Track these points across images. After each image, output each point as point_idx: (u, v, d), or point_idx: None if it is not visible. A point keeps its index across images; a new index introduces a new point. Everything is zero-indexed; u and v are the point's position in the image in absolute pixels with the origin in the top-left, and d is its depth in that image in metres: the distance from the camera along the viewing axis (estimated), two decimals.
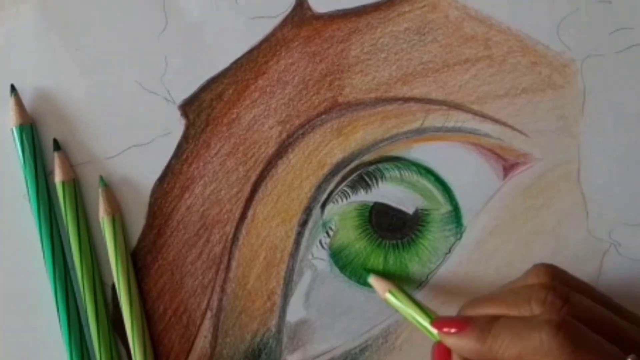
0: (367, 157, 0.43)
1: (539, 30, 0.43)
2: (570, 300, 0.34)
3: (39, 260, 0.42)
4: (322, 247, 0.42)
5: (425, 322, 0.38)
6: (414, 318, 0.39)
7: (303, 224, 0.42)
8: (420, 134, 0.43)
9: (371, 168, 0.42)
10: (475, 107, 0.43)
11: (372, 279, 0.41)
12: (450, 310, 0.42)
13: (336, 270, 0.42)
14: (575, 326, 0.32)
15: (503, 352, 0.33)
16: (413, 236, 0.42)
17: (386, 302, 0.40)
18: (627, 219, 0.42)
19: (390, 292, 0.40)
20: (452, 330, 0.36)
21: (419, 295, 0.42)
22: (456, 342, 0.35)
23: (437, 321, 0.37)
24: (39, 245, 0.42)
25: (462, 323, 0.35)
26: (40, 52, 0.43)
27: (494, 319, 0.35)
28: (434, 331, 0.37)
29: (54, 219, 0.42)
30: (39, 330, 0.42)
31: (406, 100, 0.43)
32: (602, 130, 0.42)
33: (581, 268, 0.42)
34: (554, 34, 0.42)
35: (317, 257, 0.42)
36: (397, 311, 0.40)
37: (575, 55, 0.42)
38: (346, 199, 0.42)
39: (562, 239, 0.42)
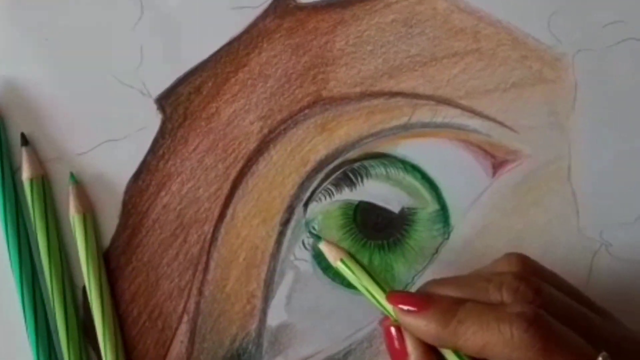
0: (351, 154, 0.42)
1: (529, 23, 0.42)
2: (542, 293, 0.32)
3: (4, 262, 0.41)
4: (305, 247, 0.41)
5: (380, 297, 0.35)
6: (368, 291, 0.36)
7: (285, 223, 0.41)
8: (407, 129, 0.42)
9: (356, 165, 0.41)
10: (464, 102, 0.42)
11: (323, 245, 0.38)
12: None
13: (319, 272, 0.41)
14: (549, 322, 0.31)
15: (467, 339, 0.31)
16: (399, 236, 0.41)
17: (337, 271, 0.38)
18: (619, 218, 0.41)
19: (342, 260, 0.37)
20: (412, 309, 0.33)
21: None
22: (414, 322, 0.33)
23: (394, 296, 0.34)
24: (5, 245, 0.40)
25: (423, 301, 0.33)
26: (8, 41, 0.42)
27: (459, 302, 0.32)
28: (389, 307, 0.34)
29: (21, 218, 0.41)
30: (4, 335, 0.41)
31: (393, 94, 0.42)
32: (593, 127, 0.42)
33: (571, 268, 0.41)
34: (545, 27, 0.42)
35: (299, 258, 0.41)
36: (350, 282, 0.37)
37: (567, 49, 0.42)
38: (330, 197, 0.41)
39: (552, 238, 0.41)
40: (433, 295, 0.34)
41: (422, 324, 0.33)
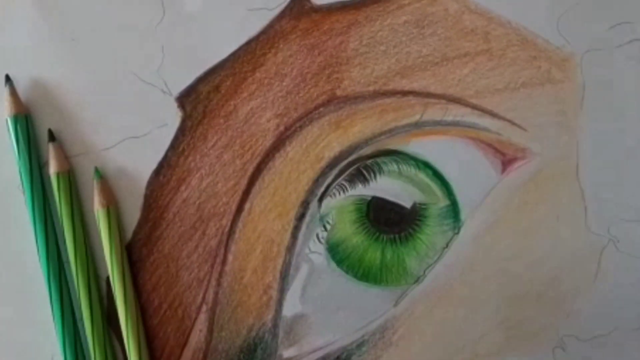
0: (365, 151, 0.42)
1: (538, 24, 0.42)
2: None
3: (32, 253, 0.42)
4: (319, 241, 0.42)
5: None
6: None
7: (300, 217, 0.42)
8: (418, 127, 0.42)
9: (369, 162, 0.42)
10: (474, 101, 0.42)
11: None
12: (447, 304, 0.42)
13: (333, 265, 0.42)
14: None
15: None
16: (411, 231, 0.42)
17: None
18: (626, 215, 0.42)
19: None
20: None
21: (417, 290, 0.42)
22: None
23: None
24: (33, 237, 0.42)
25: None
26: (35, 41, 0.43)
27: None
28: None
29: (48, 210, 0.42)
30: (32, 325, 0.42)
31: (405, 93, 0.42)
32: (601, 126, 0.42)
33: (579, 264, 0.41)
34: (553, 28, 0.42)
35: (314, 251, 0.42)
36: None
37: (575, 50, 0.42)
38: (344, 192, 0.42)
39: (561, 234, 0.42)
40: None
41: None
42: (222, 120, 0.42)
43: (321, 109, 0.42)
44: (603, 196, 0.42)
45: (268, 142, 0.42)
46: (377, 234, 0.42)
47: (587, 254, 0.42)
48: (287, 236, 0.42)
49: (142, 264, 0.42)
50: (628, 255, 0.42)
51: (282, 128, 0.42)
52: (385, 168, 0.42)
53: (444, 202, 0.42)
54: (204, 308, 0.42)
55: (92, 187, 0.42)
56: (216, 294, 0.42)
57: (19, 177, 0.42)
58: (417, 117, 0.42)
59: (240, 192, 0.42)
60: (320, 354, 0.42)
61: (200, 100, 0.42)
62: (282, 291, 0.42)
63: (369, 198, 0.42)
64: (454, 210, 0.42)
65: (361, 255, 0.42)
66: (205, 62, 0.42)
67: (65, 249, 0.42)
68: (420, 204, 0.42)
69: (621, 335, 0.42)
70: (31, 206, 0.42)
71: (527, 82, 0.42)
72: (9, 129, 0.42)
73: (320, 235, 0.42)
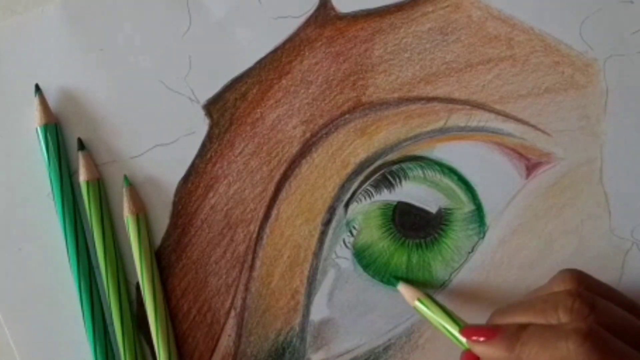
0: (390, 157, 0.43)
1: (561, 30, 0.43)
2: (596, 307, 0.34)
3: (63, 260, 0.42)
4: (346, 246, 0.42)
5: (454, 330, 0.38)
6: (443, 326, 0.39)
7: (327, 223, 0.43)
8: (443, 133, 0.43)
9: (394, 167, 0.43)
10: (498, 106, 0.43)
11: (401, 287, 0.41)
12: (473, 308, 0.42)
13: (359, 270, 0.42)
14: (603, 335, 0.32)
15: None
16: (436, 235, 0.42)
17: (415, 310, 0.40)
18: None
19: (419, 300, 0.40)
20: (481, 339, 0.36)
21: (443, 294, 0.42)
22: (485, 350, 0.36)
23: (466, 329, 0.37)
24: (64, 244, 0.42)
25: (491, 331, 0.36)
26: (64, 52, 0.43)
27: (523, 327, 0.35)
28: (463, 339, 0.37)
29: (78, 218, 0.42)
30: (64, 330, 0.43)
31: (429, 99, 0.43)
32: (624, 130, 0.42)
33: (604, 267, 0.42)
34: (576, 34, 0.43)
35: (340, 256, 0.42)
36: (426, 319, 0.40)
37: (598, 55, 0.43)
38: (370, 198, 0.43)
39: (585, 237, 0.42)
40: (500, 325, 0.36)
41: (491, 351, 0.36)
42: (248, 128, 0.43)
43: (347, 115, 0.43)
44: (627, 200, 0.42)
45: (294, 148, 0.43)
46: (403, 238, 0.42)
47: (611, 257, 0.42)
48: (314, 241, 0.42)
49: (171, 270, 0.43)
50: None
51: (308, 135, 0.43)
52: (410, 173, 0.43)
53: (469, 206, 0.42)
54: (233, 313, 0.42)
55: (121, 194, 0.42)
56: (244, 299, 0.42)
57: (49, 185, 0.42)
58: (441, 123, 0.43)
59: (267, 199, 0.43)
60: (347, 357, 0.42)
61: (227, 108, 0.43)
62: (310, 296, 0.42)
63: (395, 203, 0.43)
64: (479, 215, 0.42)
65: (387, 259, 0.42)
66: (232, 70, 0.43)
67: (96, 256, 0.42)
68: (445, 208, 0.43)
69: None
70: (61, 214, 0.42)
71: (550, 87, 0.43)
72: (39, 138, 0.42)
73: (346, 241, 0.42)
